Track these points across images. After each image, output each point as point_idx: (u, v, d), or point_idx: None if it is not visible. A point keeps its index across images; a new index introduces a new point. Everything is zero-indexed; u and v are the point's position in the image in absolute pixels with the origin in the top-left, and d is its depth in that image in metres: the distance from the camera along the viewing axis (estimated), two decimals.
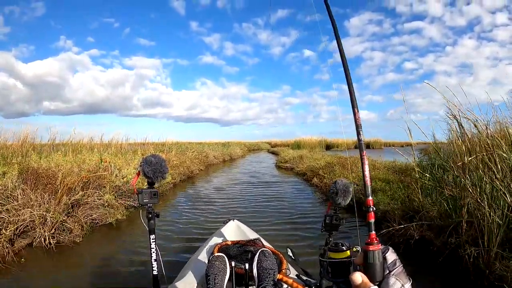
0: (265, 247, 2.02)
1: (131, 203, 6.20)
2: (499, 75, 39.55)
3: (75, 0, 40.36)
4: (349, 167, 9.30)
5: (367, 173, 1.08)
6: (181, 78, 53.22)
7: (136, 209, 6.11)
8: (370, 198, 1.07)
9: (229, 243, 2.25)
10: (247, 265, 1.75)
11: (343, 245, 1.37)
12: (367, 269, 0.99)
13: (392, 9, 42.88)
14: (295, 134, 43.37)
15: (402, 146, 39.69)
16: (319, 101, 52.86)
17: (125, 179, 6.85)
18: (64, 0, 39.98)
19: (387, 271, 0.99)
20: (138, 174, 1.70)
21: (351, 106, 1.14)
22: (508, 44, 38.37)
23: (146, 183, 1.73)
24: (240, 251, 2.11)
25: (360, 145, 1.17)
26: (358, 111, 1.16)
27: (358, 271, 0.97)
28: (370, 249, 0.99)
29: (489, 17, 37.49)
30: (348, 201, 1.63)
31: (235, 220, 3.04)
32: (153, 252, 1.72)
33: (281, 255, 2.01)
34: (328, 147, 36.00)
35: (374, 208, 1.07)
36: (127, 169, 7.44)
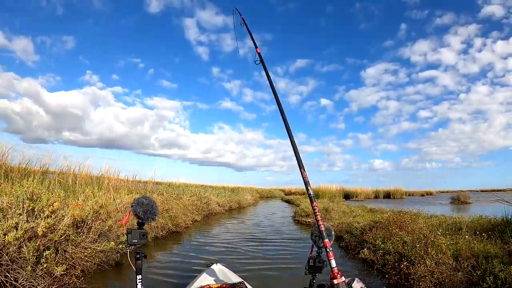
0: None
1: None
2: None
3: (104, 38, 42.85)
4: (410, 228, 6.37)
5: (319, 217, 1.70)
6: (199, 121, 52.85)
7: None
8: (327, 240, 1.59)
9: (213, 286, 2.25)
10: None
11: (324, 285, 1.56)
12: None
13: (407, 59, 43.68)
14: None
15: (423, 195, 37.88)
16: (333, 150, 51.68)
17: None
18: (94, 37, 42.39)
19: None
20: (129, 213, 1.77)
21: (298, 167, 2.01)
22: None
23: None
24: None
25: (310, 198, 1.81)
26: (304, 170, 1.91)
27: None
28: (335, 282, 1.35)
29: (501, 62, 38.26)
30: (331, 244, 1.70)
31: (218, 263, 3.02)
32: None
33: None
34: (347, 196, 33.88)
35: (331, 248, 1.52)
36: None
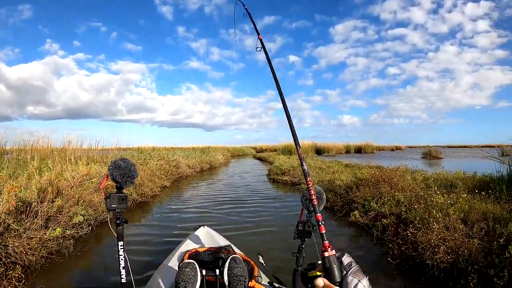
0: (236, 254, 1.96)
1: None
2: (480, 80, 44.39)
3: (63, 4, 41.41)
4: (400, 185, 5.78)
5: (312, 192, 1.52)
6: (166, 83, 53.60)
7: None
8: (319, 214, 1.44)
9: (200, 250, 2.14)
10: (217, 272, 1.72)
11: (315, 264, 1.41)
12: (327, 273, 1.26)
13: (376, 16, 45.58)
14: (278, 139, 44.64)
15: (393, 150, 39.05)
16: (302, 106, 53.81)
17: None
18: (52, 3, 40.88)
19: (345, 272, 1.24)
20: (107, 177, 1.66)
21: (294, 144, 1.74)
22: (489, 50, 41.68)
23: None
24: (211, 258, 2.04)
25: (304, 173, 1.58)
26: (300, 147, 1.68)
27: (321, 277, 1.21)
28: (326, 255, 1.28)
29: (471, 24, 40.89)
30: (322, 208, 1.63)
31: (205, 226, 2.94)
32: (122, 259, 1.66)
33: (252, 262, 1.97)
34: (318, 151, 34.09)
35: (324, 222, 1.41)
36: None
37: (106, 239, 5.12)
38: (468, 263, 3.20)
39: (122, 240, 1.68)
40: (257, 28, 2.51)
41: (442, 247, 3.36)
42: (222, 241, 2.69)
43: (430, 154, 25.93)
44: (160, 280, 2.09)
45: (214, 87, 54.49)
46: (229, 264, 1.68)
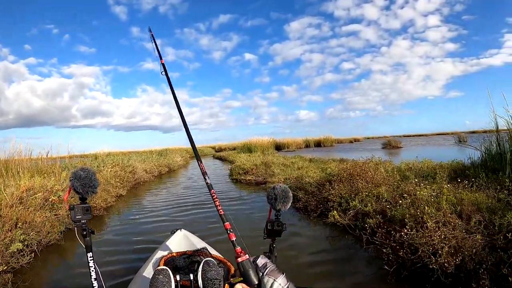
0: (212, 256, 2.02)
1: None
2: (432, 72, 46.05)
3: (12, 6, 38.68)
4: (376, 179, 5.35)
5: (218, 203, 1.68)
6: (121, 86, 52.78)
7: None
8: (227, 222, 1.61)
9: (175, 254, 2.19)
10: (191, 276, 1.71)
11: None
12: (244, 278, 1.35)
13: (331, 14, 46.83)
14: (237, 137, 44.28)
15: (352, 142, 39.96)
16: (259, 103, 55.16)
17: None
18: (1, 5, 37.57)
19: (261, 274, 1.31)
20: (70, 189, 1.65)
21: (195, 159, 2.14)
22: (440, 43, 43.24)
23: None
24: (186, 262, 2.09)
25: (208, 187, 1.82)
26: (201, 162, 1.95)
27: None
28: (239, 260, 1.38)
29: (422, 19, 42.17)
30: (289, 206, 1.69)
31: (182, 230, 2.85)
32: (92, 270, 1.67)
33: (229, 263, 2.01)
34: (278, 147, 33.94)
35: (232, 230, 1.55)
36: None
37: (53, 265, 4.29)
38: (476, 262, 2.76)
39: (91, 251, 1.66)
40: (160, 52, 2.73)
41: (445, 248, 2.87)
42: (199, 243, 2.61)
43: (389, 144, 26.39)
44: None
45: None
46: (202, 267, 1.65)
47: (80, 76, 45.05)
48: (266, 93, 53.58)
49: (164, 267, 1.66)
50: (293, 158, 13.59)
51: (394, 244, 3.27)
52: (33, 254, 4.21)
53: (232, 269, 1.93)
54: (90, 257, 1.66)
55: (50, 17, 43.25)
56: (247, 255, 1.37)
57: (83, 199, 1.64)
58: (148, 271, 2.22)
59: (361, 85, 50.98)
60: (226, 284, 1.67)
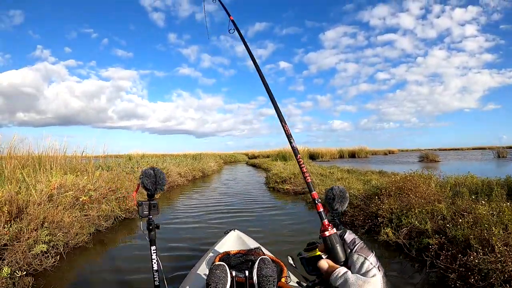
0: (265, 256, 1.95)
1: None
2: (468, 84, 44.89)
3: (54, 10, 41.18)
4: (428, 194, 5.04)
5: (305, 170, 1.54)
6: (157, 90, 54.29)
7: None
8: (314, 191, 1.47)
9: (230, 252, 2.21)
10: (247, 273, 1.74)
11: (315, 243, 1.41)
12: (330, 254, 1.26)
13: (366, 22, 46.72)
14: (269, 145, 46.48)
15: (386, 154, 38.93)
16: (293, 112, 54.45)
17: None
18: (43, 9, 40.90)
19: (349, 250, 1.22)
20: (138, 186, 1.73)
21: (279, 121, 1.76)
22: (477, 54, 42.35)
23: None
24: (240, 261, 2.10)
25: (294, 150, 1.67)
26: (286, 124, 1.72)
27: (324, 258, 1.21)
28: (326, 234, 1.28)
29: (459, 29, 41.94)
30: (345, 207, 1.60)
31: (235, 230, 2.92)
32: (154, 263, 1.72)
33: (281, 263, 2.02)
34: (312, 157, 33.58)
35: (320, 200, 1.42)
36: None
37: (79, 269, 4.12)
38: None
39: (155, 245, 1.73)
40: (227, 9, 2.54)
41: None
42: (252, 244, 2.63)
43: (427, 158, 25.38)
44: (192, 283, 2.12)
45: (205, 94, 54.90)
46: (258, 265, 1.67)
47: (118, 79, 46.92)
48: (300, 102, 53.46)
49: (221, 262, 1.71)
50: (330, 168, 13.29)
51: (462, 269, 3.01)
52: (58, 257, 4.00)
53: (285, 269, 1.97)
54: (154, 250, 1.73)
55: (89, 21, 45.53)
56: (334, 228, 1.29)
57: (151, 196, 1.70)
58: (203, 267, 2.31)
59: (396, 95, 49.90)
60: (280, 281, 1.74)
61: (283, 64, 49.03)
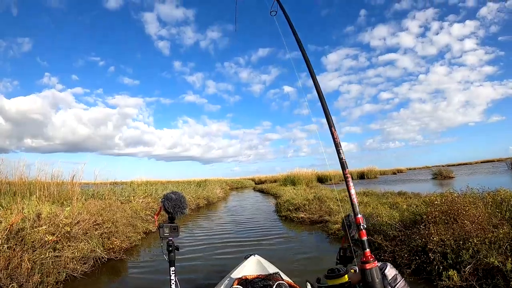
0: (283, 281, 2.03)
1: None
2: (471, 97, 44.09)
3: (62, 38, 41.54)
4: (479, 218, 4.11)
5: (352, 191, 1.39)
6: (163, 117, 53.44)
7: None
8: (359, 216, 1.36)
9: (249, 277, 2.22)
10: None
11: (339, 270, 1.49)
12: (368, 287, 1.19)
13: (367, 44, 45.85)
14: (276, 170, 46.04)
15: (395, 173, 38.00)
16: (299, 135, 53.53)
17: None
18: (51, 37, 41.35)
19: (389, 287, 1.20)
20: (160, 209, 1.87)
21: (328, 126, 1.59)
22: (477, 67, 41.40)
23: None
24: (259, 285, 2.11)
25: (342, 164, 1.52)
26: (335, 130, 1.54)
27: None
28: (367, 267, 1.22)
29: (458, 44, 40.77)
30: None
31: (256, 255, 2.97)
32: (173, 284, 1.80)
33: None
34: (320, 180, 32.54)
35: (365, 226, 1.30)
36: None
37: None
38: None
39: (174, 266, 1.82)
40: None
41: None
42: (272, 269, 2.63)
43: (441, 174, 24.16)
44: None
45: (210, 120, 53.88)
46: None
47: (124, 107, 46.24)
48: (305, 125, 53.26)
49: (239, 286, 1.85)
50: (344, 192, 12.29)
51: None
52: None
53: None
54: (173, 271, 1.81)
55: (96, 50, 45.71)
56: (376, 261, 1.20)
57: (171, 219, 1.81)
58: None
59: (400, 114, 49.33)
60: None
61: (287, 89, 49.29)
